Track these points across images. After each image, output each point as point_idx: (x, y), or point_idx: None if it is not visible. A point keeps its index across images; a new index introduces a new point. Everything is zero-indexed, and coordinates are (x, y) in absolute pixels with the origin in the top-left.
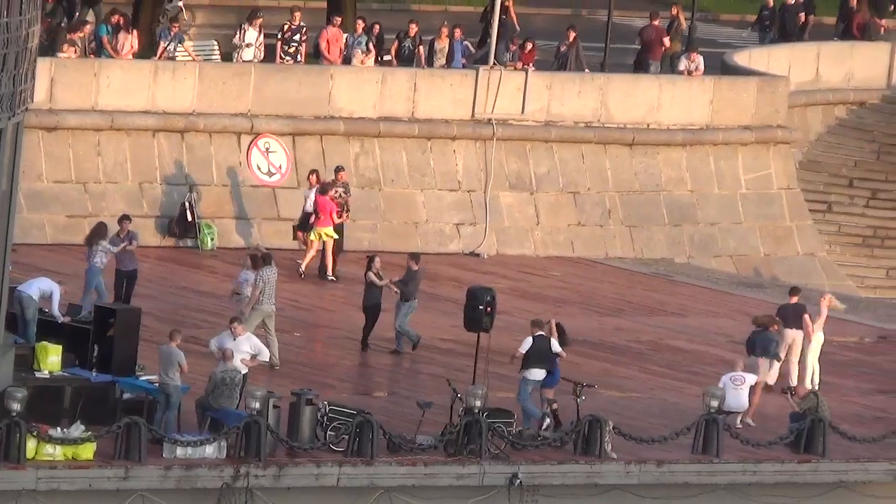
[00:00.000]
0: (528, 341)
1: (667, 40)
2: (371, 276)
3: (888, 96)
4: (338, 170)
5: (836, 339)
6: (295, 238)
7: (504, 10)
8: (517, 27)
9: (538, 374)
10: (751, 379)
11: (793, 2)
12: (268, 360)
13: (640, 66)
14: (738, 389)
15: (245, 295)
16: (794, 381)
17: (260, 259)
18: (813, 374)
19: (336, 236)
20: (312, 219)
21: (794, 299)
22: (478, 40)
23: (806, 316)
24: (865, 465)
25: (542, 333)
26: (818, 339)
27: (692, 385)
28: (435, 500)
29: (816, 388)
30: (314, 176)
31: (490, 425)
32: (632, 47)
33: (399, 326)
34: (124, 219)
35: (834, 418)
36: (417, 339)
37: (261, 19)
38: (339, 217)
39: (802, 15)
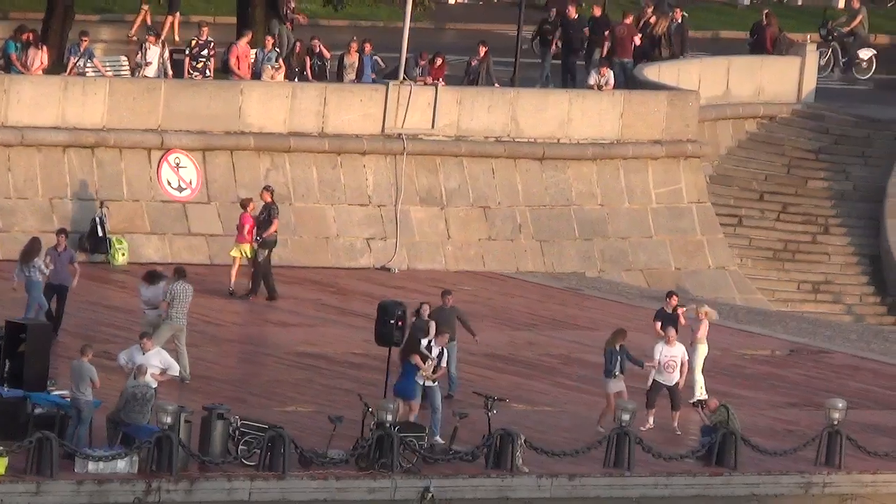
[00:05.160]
0: None
1: (637, 38)
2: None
3: (798, 110)
4: (266, 189)
5: (748, 353)
6: None
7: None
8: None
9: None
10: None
11: (576, 17)
12: (178, 374)
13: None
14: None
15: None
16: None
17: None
18: (698, 386)
19: (249, 256)
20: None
21: (673, 303)
22: None
23: (681, 314)
24: (777, 477)
25: None
26: (702, 350)
27: (603, 399)
28: None
29: (701, 399)
30: None
31: (402, 439)
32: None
33: (455, 370)
34: (61, 232)
35: (745, 431)
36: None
37: (160, 36)
38: (260, 236)
39: (587, 30)
